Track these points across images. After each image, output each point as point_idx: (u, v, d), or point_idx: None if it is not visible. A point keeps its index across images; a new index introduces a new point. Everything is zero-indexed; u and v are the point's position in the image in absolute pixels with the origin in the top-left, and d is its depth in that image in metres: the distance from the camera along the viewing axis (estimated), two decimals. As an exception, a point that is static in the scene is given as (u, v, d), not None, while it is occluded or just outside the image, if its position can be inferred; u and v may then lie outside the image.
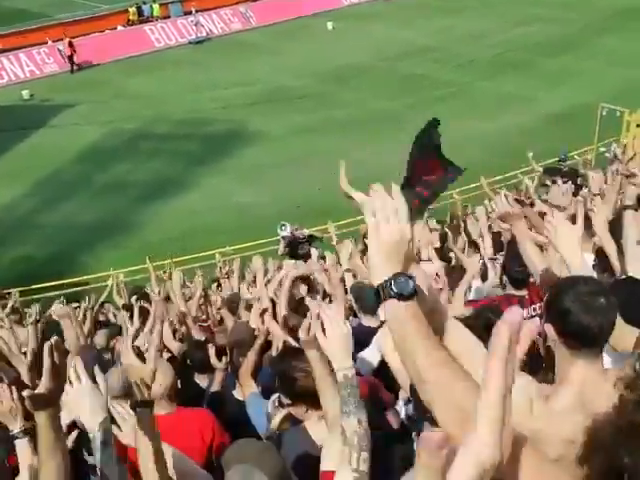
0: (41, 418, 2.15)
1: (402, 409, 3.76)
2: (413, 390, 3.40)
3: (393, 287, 1.56)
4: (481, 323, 3.01)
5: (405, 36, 30.05)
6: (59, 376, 2.19)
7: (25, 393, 2.14)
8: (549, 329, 2.28)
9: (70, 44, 28.32)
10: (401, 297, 1.56)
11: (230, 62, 28.60)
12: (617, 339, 2.35)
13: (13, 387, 2.63)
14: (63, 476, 2.17)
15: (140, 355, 2.66)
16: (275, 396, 3.82)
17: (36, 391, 2.14)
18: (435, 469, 0.96)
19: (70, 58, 28.55)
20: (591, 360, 2.18)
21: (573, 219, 3.07)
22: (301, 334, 2.84)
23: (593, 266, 3.70)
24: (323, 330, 2.51)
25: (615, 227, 4.20)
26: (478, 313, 3.69)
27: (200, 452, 3.58)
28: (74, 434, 3.30)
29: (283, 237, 12.04)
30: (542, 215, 6.90)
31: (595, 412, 1.66)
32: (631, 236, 3.84)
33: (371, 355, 4.52)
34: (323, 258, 8.97)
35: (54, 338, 2.19)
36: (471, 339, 2.18)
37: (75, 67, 28.80)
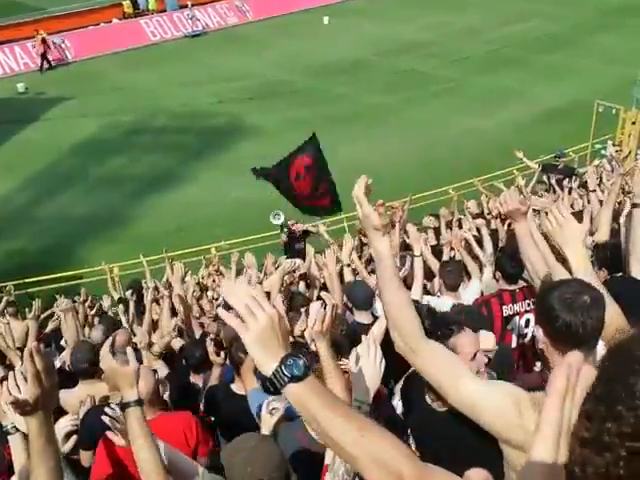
0: (30, 423, 2.10)
1: (399, 404, 3.78)
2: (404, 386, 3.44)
3: (285, 372, 1.55)
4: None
5: (401, 31, 30.02)
6: (43, 381, 2.11)
7: (8, 399, 2.07)
8: (538, 331, 2.29)
9: (44, 41, 27.70)
10: (296, 379, 1.56)
11: (226, 56, 28.53)
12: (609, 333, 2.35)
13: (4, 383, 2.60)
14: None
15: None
16: (270, 399, 3.83)
17: (20, 397, 2.08)
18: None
19: (43, 55, 27.81)
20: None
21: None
22: (312, 328, 2.86)
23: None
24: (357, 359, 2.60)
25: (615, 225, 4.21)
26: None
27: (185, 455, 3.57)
28: (72, 440, 3.30)
29: (281, 226, 12.06)
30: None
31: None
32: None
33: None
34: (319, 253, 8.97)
35: (33, 342, 2.14)
36: (446, 353, 2.24)
37: (46, 66, 27.93)
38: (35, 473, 2.11)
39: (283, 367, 1.55)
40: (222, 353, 4.99)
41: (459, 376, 2.14)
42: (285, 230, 12.15)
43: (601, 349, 2.45)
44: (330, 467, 2.43)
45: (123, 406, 2.60)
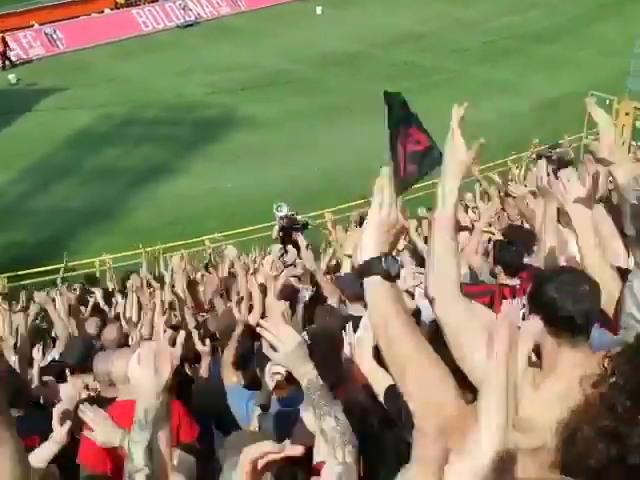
0: None
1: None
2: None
3: (383, 264, 1.61)
4: None
5: (394, 22, 29.91)
6: None
7: None
8: (535, 320, 2.29)
9: (3, 39, 27.13)
10: (388, 277, 1.61)
11: (219, 46, 28.40)
12: None
13: None
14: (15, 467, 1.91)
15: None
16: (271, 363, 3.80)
17: None
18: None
19: (3, 55, 27.26)
20: (578, 347, 2.20)
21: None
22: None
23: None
24: (273, 348, 2.50)
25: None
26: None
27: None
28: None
29: (281, 218, 11.96)
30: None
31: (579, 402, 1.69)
32: None
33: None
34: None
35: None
36: (475, 314, 2.21)
37: (8, 64, 27.27)
38: None
39: (384, 259, 1.64)
40: (207, 342, 4.99)
41: (478, 344, 2.11)
42: (284, 220, 12.03)
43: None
44: (325, 440, 2.40)
45: None
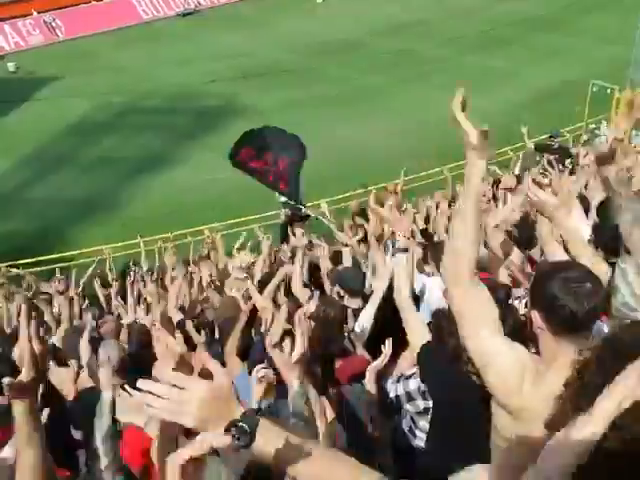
0: (19, 407, 2.10)
1: (392, 387, 3.77)
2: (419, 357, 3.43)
3: (236, 443, 1.50)
4: None
5: (394, 11, 29.78)
6: (39, 365, 2.12)
7: (5, 381, 2.06)
8: (535, 316, 2.26)
9: None
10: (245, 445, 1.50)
11: (219, 35, 28.28)
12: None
13: None
14: (40, 465, 2.13)
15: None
16: (259, 366, 3.79)
17: (17, 379, 2.08)
18: None
19: None
20: (580, 344, 2.18)
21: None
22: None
23: (589, 241, 3.66)
24: None
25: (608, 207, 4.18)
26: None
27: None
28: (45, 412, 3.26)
29: (282, 203, 11.96)
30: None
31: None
32: None
33: (364, 321, 4.60)
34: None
35: (33, 327, 2.13)
36: (485, 299, 2.21)
37: None
38: (22, 456, 2.13)
39: (232, 438, 1.49)
40: (202, 332, 4.98)
41: (485, 326, 2.12)
42: (286, 210, 12.03)
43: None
44: None
45: None
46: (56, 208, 15.88)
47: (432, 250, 5.95)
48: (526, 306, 4.72)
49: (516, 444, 1.93)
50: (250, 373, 4.05)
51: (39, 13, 28.72)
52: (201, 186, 16.43)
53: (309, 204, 13.32)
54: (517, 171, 11.85)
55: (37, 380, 2.13)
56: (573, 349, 2.10)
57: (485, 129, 2.12)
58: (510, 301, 4.24)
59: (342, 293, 5.58)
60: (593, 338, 2.19)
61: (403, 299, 3.57)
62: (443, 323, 3.20)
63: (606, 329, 2.61)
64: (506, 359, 2.11)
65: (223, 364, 4.57)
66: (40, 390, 3.34)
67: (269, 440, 1.51)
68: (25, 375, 2.08)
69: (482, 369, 2.11)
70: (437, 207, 10.12)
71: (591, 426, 1.16)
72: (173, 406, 1.50)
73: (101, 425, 2.52)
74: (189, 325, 5.16)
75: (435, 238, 7.37)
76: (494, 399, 2.15)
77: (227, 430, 1.50)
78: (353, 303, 5.36)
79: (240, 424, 1.50)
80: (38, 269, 12.33)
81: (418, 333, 3.48)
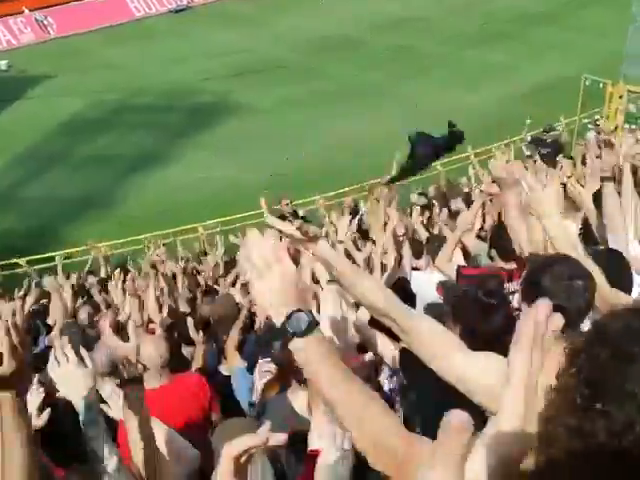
0: (4, 401, 2.04)
1: (386, 382, 3.78)
2: (402, 359, 3.42)
3: (288, 328, 1.55)
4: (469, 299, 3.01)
5: (392, 7, 29.70)
6: (19, 356, 2.06)
7: None
8: (525, 309, 2.26)
9: None
10: (299, 334, 1.55)
11: (212, 32, 28.19)
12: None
13: None
14: (29, 465, 2.07)
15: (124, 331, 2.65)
16: (262, 361, 3.81)
17: None
18: (455, 455, 0.91)
19: None
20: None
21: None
22: None
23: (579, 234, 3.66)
24: None
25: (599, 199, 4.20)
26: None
27: (198, 415, 3.63)
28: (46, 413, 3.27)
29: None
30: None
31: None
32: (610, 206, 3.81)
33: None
34: None
35: (10, 318, 2.10)
36: (439, 327, 2.18)
37: None
38: (7, 451, 2.07)
39: (287, 321, 1.55)
40: (200, 332, 4.99)
41: (453, 349, 2.10)
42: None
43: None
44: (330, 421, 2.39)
45: (123, 383, 2.60)
46: (50, 207, 15.83)
47: (428, 245, 5.99)
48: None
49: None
50: (247, 368, 4.07)
51: (30, 11, 28.60)
52: (195, 184, 16.39)
53: (304, 200, 13.37)
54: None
55: (18, 373, 2.06)
56: (559, 346, 2.09)
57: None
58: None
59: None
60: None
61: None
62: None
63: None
64: (481, 367, 2.04)
65: (219, 361, 4.58)
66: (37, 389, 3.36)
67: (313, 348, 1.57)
68: (5, 367, 2.03)
69: (459, 385, 2.09)
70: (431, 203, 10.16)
71: (506, 425, 1.07)
72: (260, 268, 1.57)
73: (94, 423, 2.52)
74: (190, 323, 5.16)
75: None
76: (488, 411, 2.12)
77: (288, 316, 1.55)
78: None
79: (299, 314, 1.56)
80: (33, 268, 12.29)
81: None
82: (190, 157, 18.13)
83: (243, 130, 19.39)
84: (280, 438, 1.50)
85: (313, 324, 1.56)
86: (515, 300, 4.71)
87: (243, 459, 1.47)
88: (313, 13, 29.88)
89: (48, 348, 5.61)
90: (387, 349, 3.39)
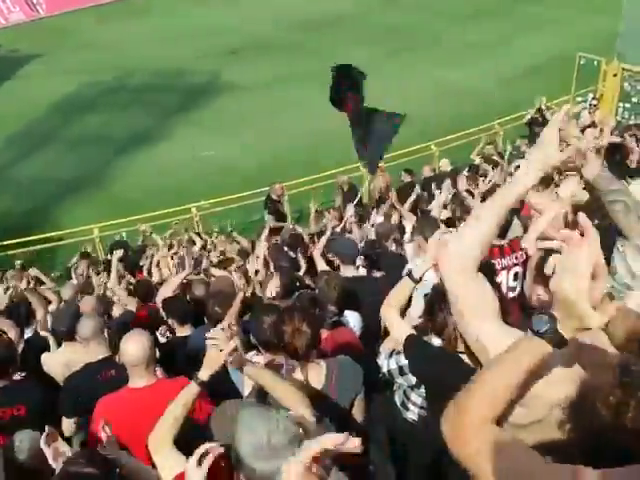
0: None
1: (384, 362, 3.79)
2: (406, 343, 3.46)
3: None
4: None
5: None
6: None
7: None
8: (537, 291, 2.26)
9: None
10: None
11: (205, 11, 27.98)
12: None
13: None
14: None
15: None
16: (252, 353, 3.83)
17: None
18: None
19: None
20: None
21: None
22: None
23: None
24: None
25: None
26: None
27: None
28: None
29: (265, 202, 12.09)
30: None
31: (584, 379, 1.68)
32: None
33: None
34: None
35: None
36: (488, 289, 2.16)
37: None
38: None
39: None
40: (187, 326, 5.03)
41: (488, 316, 2.07)
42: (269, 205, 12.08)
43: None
44: None
45: None
46: (42, 187, 15.71)
47: (420, 222, 6.03)
48: (515, 278, 4.77)
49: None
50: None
51: (20, -11, 28.29)
52: (188, 163, 16.31)
53: (298, 181, 13.35)
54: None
55: None
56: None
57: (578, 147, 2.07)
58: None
59: (337, 261, 5.69)
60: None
61: (392, 311, 3.57)
62: (437, 297, 3.23)
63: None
64: (506, 343, 2.07)
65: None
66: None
67: None
68: None
69: (481, 356, 2.06)
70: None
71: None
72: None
73: None
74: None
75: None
76: None
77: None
78: (347, 271, 5.47)
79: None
80: (26, 249, 12.26)
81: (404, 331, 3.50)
82: (183, 136, 18.01)
83: (235, 108, 19.26)
84: (356, 444, 1.43)
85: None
86: (505, 276, 4.75)
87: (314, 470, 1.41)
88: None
89: (36, 334, 5.61)
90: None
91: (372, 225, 8.51)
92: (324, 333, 4.10)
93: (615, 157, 6.76)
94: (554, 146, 1.98)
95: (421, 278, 3.57)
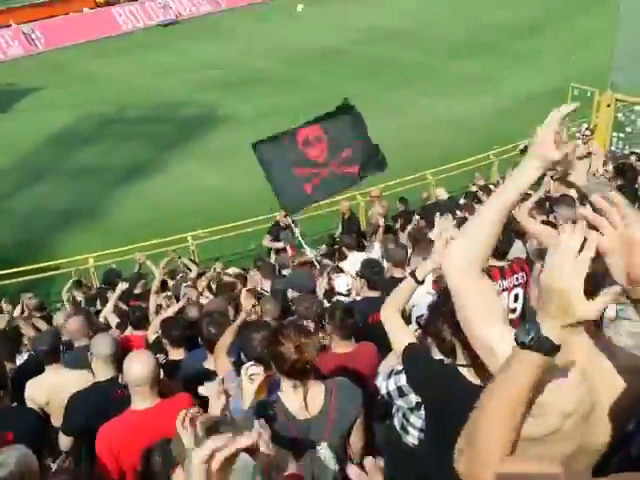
0: None
1: (383, 384, 3.72)
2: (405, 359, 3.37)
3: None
4: None
5: (375, 18, 29.94)
6: None
7: None
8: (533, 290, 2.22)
9: None
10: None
11: (199, 45, 28.28)
12: None
13: None
14: None
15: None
16: (248, 364, 3.74)
17: None
18: None
19: None
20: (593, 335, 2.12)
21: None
22: None
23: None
24: None
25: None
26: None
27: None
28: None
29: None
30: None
31: (595, 387, 1.62)
32: None
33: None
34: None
35: None
36: (493, 292, 2.11)
37: None
38: None
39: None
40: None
41: (495, 319, 2.01)
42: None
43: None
44: None
45: None
46: (38, 218, 15.68)
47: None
48: (515, 299, 4.72)
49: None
50: (237, 373, 3.99)
51: (18, 24, 28.58)
52: (184, 194, 16.31)
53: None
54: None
55: None
56: (585, 339, 1.98)
57: (575, 144, 2.04)
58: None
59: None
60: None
61: (393, 311, 3.50)
62: (438, 304, 3.18)
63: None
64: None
65: (204, 357, 4.49)
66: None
67: None
68: None
69: (485, 359, 2.00)
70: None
71: None
72: None
73: None
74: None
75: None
76: None
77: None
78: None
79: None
80: (22, 279, 12.17)
81: (405, 340, 3.42)
82: (178, 168, 18.06)
83: (230, 141, 19.32)
84: (250, 440, 1.39)
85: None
86: (505, 298, 4.70)
87: (216, 464, 1.35)
88: (299, 25, 30.14)
89: (28, 362, 5.53)
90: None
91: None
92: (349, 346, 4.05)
93: (626, 175, 6.78)
94: (551, 142, 1.96)
95: (424, 280, 3.51)
